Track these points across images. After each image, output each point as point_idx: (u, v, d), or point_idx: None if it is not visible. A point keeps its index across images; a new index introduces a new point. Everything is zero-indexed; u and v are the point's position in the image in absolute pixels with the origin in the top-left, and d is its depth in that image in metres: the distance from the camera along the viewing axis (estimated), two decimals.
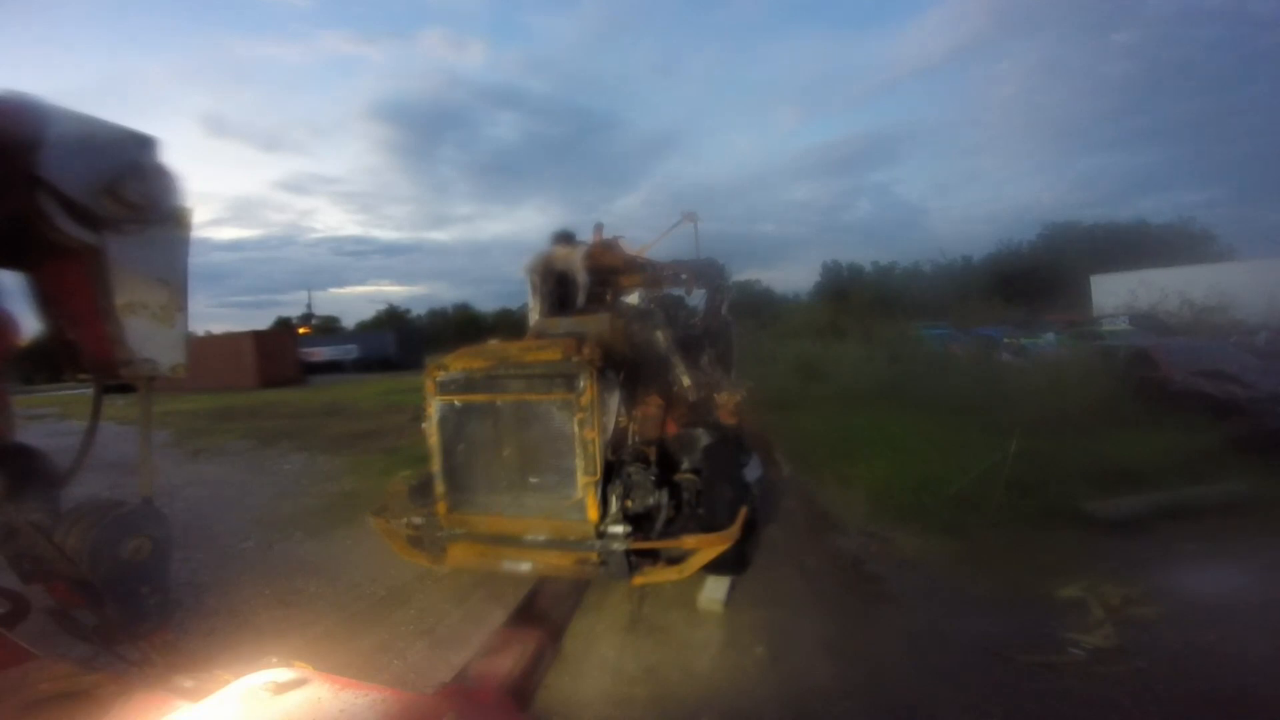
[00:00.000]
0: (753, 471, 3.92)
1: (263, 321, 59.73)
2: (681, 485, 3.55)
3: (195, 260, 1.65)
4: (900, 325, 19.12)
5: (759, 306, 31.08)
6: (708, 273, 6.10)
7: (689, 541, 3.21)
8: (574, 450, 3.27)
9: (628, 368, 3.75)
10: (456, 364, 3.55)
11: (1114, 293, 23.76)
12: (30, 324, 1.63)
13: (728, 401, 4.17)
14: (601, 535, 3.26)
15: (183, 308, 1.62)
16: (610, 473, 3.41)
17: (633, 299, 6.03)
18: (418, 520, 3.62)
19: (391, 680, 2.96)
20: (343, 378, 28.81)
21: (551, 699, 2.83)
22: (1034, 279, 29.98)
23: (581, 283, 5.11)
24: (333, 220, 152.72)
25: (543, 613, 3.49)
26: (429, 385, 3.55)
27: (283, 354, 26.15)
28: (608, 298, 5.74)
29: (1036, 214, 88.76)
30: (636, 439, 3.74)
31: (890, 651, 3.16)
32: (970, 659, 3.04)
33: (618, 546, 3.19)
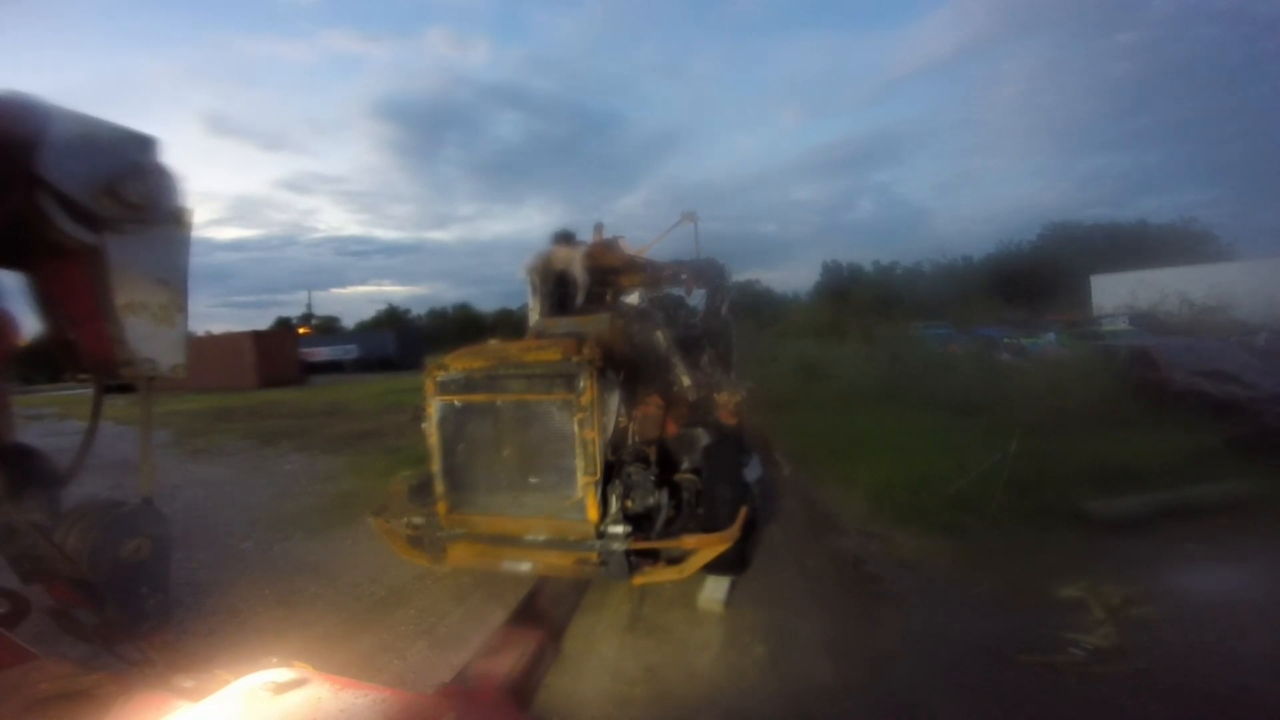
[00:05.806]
0: (753, 471, 3.93)
1: (263, 321, 59.92)
2: (681, 485, 3.55)
3: (196, 260, 1.66)
4: (900, 325, 19.12)
5: (759, 306, 31.10)
6: (708, 273, 6.11)
7: (689, 541, 3.21)
8: (574, 450, 3.27)
9: (628, 368, 3.75)
10: (456, 364, 3.54)
11: (1114, 293, 23.83)
12: (30, 324, 1.63)
13: (728, 401, 4.17)
14: (601, 535, 3.26)
15: (183, 308, 1.62)
16: (610, 473, 3.40)
17: (633, 299, 6.04)
18: (418, 520, 3.61)
19: (391, 680, 2.96)
20: (343, 378, 28.80)
21: (551, 699, 2.83)
22: (1034, 279, 29.96)
23: (581, 283, 5.12)
24: (334, 220, 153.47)
25: (543, 613, 3.50)
26: (429, 385, 3.54)
27: (283, 354, 26.10)
28: (608, 298, 5.74)
29: (1037, 214, 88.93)
30: (636, 439, 3.74)
31: (890, 651, 3.16)
32: (970, 659, 3.04)
33: (618, 546, 3.18)
